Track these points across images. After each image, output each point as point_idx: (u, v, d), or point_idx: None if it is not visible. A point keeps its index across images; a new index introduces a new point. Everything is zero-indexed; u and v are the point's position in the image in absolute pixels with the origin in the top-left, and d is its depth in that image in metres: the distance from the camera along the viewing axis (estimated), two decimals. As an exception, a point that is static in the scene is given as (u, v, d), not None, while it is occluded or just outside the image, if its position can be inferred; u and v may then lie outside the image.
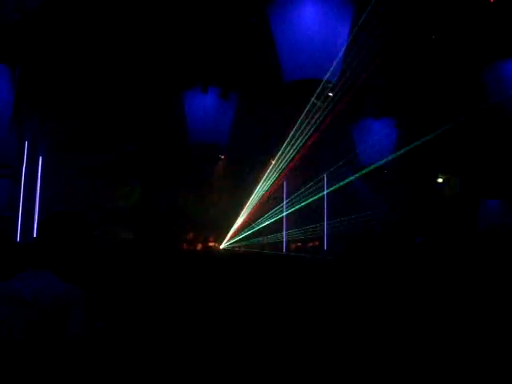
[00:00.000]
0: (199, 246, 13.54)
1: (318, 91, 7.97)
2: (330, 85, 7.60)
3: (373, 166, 11.79)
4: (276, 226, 14.47)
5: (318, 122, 11.42)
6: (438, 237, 11.73)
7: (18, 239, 10.21)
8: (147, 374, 3.13)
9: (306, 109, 10.34)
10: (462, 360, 3.34)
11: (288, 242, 14.66)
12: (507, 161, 10.97)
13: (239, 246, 14.12)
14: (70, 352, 1.87)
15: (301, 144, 12.56)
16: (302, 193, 13.99)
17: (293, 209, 14.09)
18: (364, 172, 12.52)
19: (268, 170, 14.17)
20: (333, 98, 8.45)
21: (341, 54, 7.27)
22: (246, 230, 14.32)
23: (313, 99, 8.94)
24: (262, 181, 13.87)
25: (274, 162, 14.50)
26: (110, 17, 7.66)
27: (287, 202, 14.42)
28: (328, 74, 7.33)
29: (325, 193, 14.31)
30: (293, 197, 14.13)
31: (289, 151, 13.22)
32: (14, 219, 10.42)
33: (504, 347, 3.39)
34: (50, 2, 6.80)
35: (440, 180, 13.89)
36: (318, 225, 14.19)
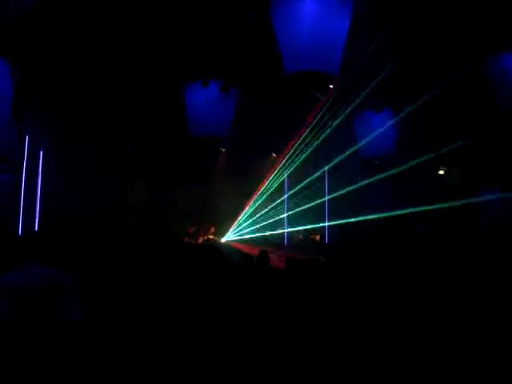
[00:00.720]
0: (200, 240, 13.57)
1: (318, 83, 7.95)
2: (331, 77, 7.58)
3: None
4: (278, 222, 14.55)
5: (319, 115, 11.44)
6: (439, 228, 11.72)
7: (20, 233, 10.24)
8: (147, 368, 3.13)
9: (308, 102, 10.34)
10: (465, 358, 3.33)
11: (290, 235, 14.72)
12: (509, 152, 10.95)
13: (240, 240, 14.17)
14: (66, 336, 1.87)
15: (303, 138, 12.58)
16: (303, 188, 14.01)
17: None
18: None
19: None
20: (334, 90, 8.43)
21: (342, 45, 7.25)
22: (248, 223, 14.38)
23: (318, 95, 8.89)
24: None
25: (275, 156, 14.53)
26: (109, 10, 7.64)
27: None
28: (329, 66, 7.31)
29: (326, 188, 14.32)
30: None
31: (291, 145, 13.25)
32: (15, 214, 10.44)
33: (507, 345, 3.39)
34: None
35: (441, 172, 13.88)
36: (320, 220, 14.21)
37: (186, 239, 13.39)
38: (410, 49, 8.51)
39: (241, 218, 14.34)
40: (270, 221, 14.35)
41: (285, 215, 14.49)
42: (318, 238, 14.56)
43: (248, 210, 14.25)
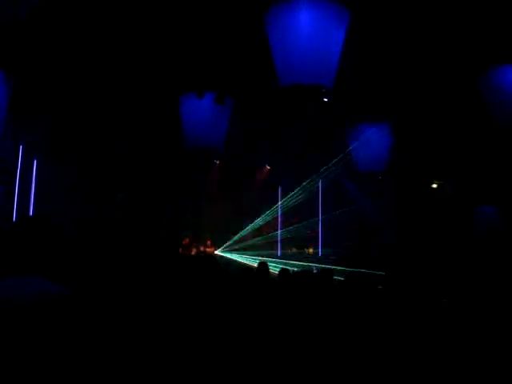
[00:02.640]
0: (193, 251, 13.55)
1: (313, 97, 7.99)
2: (325, 90, 7.62)
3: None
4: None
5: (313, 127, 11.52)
6: (434, 242, 11.74)
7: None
8: (145, 375, 3.11)
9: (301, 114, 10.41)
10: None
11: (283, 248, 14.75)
12: (502, 166, 11.03)
13: (234, 252, 14.18)
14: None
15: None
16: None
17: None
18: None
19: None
20: (328, 103, 8.47)
21: (336, 59, 7.30)
22: (243, 236, 14.42)
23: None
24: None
25: (269, 168, 14.61)
26: (105, 23, 7.67)
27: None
28: (323, 80, 7.36)
29: (320, 198, 14.36)
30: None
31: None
32: (8, 224, 10.37)
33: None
34: (46, 7, 6.80)
35: (434, 185, 13.93)
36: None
37: (181, 250, 13.37)
38: (405, 61, 8.61)
39: (239, 235, 14.40)
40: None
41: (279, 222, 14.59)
42: (310, 250, 14.56)
43: (246, 229, 14.36)
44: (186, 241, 13.64)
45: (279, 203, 14.47)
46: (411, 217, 12.72)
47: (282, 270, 7.00)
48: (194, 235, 13.89)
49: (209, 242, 13.99)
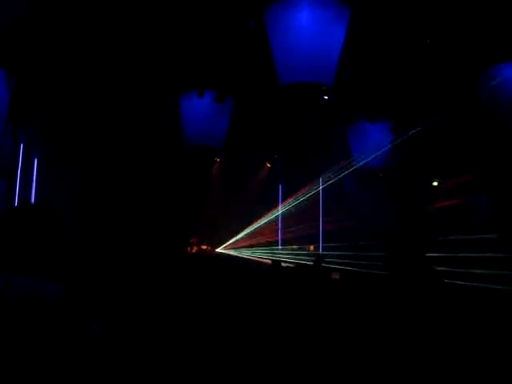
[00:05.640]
0: (195, 249, 13.58)
1: (313, 95, 7.98)
2: (325, 88, 7.60)
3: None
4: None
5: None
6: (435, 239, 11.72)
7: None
8: (147, 376, 3.12)
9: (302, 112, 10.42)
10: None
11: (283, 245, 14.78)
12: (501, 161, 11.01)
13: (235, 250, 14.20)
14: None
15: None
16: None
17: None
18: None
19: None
20: (328, 101, 8.46)
21: (336, 57, 7.29)
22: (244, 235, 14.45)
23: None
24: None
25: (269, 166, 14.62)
26: (105, 21, 7.67)
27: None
28: (324, 77, 7.35)
29: (321, 197, 14.36)
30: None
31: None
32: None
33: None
34: (46, 7, 6.80)
35: (435, 183, 13.89)
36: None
37: (189, 249, 13.43)
38: (405, 59, 8.61)
39: (241, 234, 14.45)
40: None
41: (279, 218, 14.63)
42: (311, 248, 14.58)
43: (248, 229, 14.39)
44: (193, 239, 13.69)
45: (280, 201, 14.49)
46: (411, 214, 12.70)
47: (274, 262, 7.09)
48: (193, 234, 13.92)
49: (205, 240, 14.04)
